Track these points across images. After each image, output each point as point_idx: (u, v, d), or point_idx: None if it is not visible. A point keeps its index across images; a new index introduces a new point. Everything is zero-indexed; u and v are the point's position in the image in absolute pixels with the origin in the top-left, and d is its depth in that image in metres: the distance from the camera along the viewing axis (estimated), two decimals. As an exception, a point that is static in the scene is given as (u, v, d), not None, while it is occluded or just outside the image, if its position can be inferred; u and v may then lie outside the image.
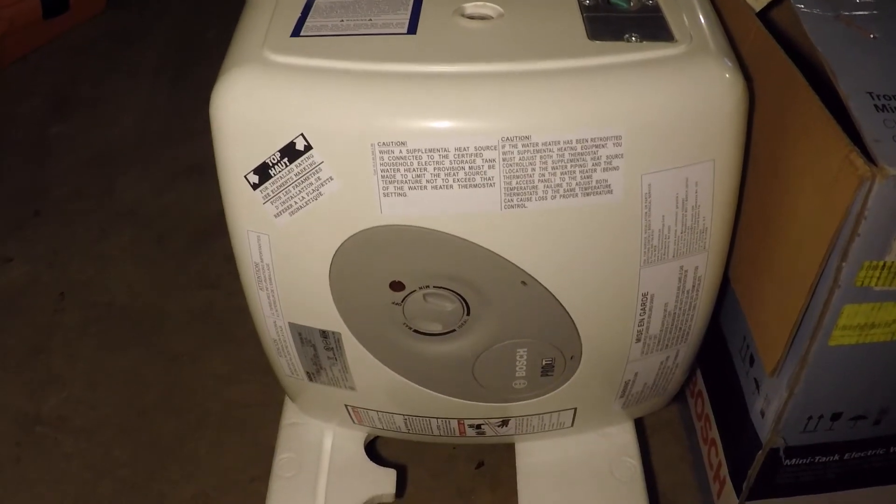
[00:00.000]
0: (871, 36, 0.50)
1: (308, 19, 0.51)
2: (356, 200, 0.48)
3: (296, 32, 0.50)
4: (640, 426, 0.70)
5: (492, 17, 0.51)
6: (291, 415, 0.69)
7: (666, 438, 0.76)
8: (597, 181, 0.47)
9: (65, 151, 1.12)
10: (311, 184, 0.48)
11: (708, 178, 0.49)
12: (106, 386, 0.81)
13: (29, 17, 1.31)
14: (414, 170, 0.46)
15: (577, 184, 0.47)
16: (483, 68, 0.46)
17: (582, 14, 0.51)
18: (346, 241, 0.49)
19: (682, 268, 0.52)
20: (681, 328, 0.56)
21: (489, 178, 0.46)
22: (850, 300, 0.47)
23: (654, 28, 0.50)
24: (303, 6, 0.52)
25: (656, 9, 0.52)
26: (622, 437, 0.68)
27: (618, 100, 0.46)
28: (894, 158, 0.42)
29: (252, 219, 0.50)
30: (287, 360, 0.59)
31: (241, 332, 0.84)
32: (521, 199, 0.47)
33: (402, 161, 0.46)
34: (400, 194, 0.47)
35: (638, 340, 0.56)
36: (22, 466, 0.74)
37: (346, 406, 0.63)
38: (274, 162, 0.48)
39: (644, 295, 0.53)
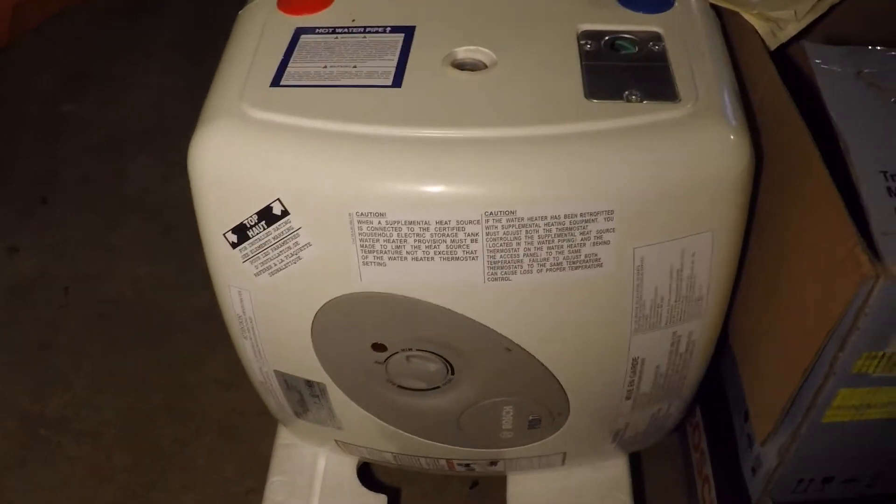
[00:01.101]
0: (893, 100, 0.46)
1: (290, 64, 0.49)
2: (335, 267, 0.46)
3: (276, 81, 0.47)
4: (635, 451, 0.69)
5: (483, 67, 0.48)
6: (285, 435, 0.70)
7: (662, 464, 0.75)
8: (585, 255, 0.45)
9: (75, 132, 1.12)
10: (290, 248, 0.46)
11: (706, 250, 0.47)
12: (111, 389, 0.82)
13: (43, -15, 1.29)
14: (394, 241, 0.44)
15: (564, 258, 0.45)
16: (467, 134, 0.44)
17: (581, 62, 0.48)
18: (326, 303, 0.48)
19: (675, 333, 0.50)
20: (673, 386, 0.55)
21: (472, 252, 0.44)
22: (846, 385, 0.45)
23: (657, 82, 0.47)
24: (286, 47, 0.50)
25: (662, 56, 0.48)
26: (615, 470, 0.68)
27: (611, 172, 0.43)
28: (901, 256, 0.39)
29: (233, 274, 0.49)
30: (274, 400, 0.59)
31: (244, 334, 0.84)
32: (506, 273, 0.45)
33: (381, 232, 0.44)
34: (379, 264, 0.45)
35: (628, 398, 0.54)
36: (27, 470, 0.75)
37: (335, 440, 0.63)
38: (251, 224, 0.46)
39: (635, 359, 0.51)
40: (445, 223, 0.43)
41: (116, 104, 1.16)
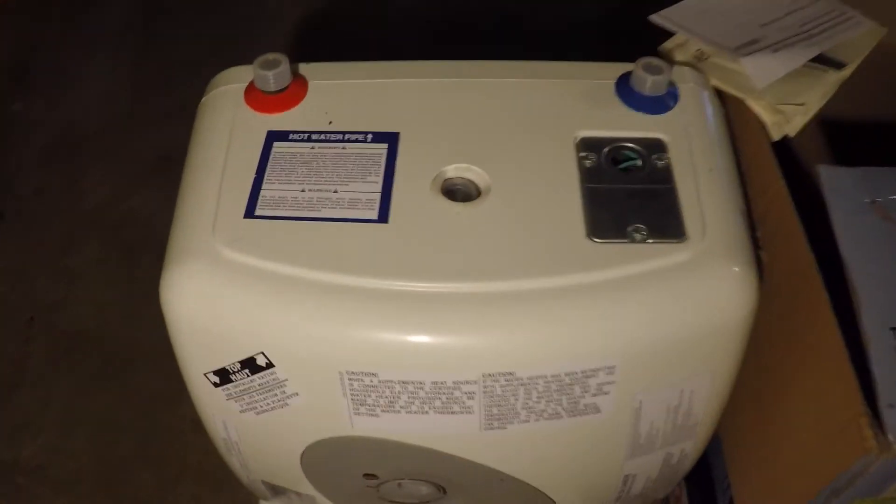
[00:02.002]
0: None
1: (264, 184, 0.45)
2: (325, 413, 0.44)
3: (250, 210, 0.44)
4: None
5: (476, 192, 0.45)
6: None
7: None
8: (584, 405, 0.43)
9: (26, 134, 1.05)
10: (276, 395, 0.44)
11: (705, 388, 0.46)
12: (82, 432, 0.80)
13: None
14: (386, 397, 0.42)
15: (562, 408, 0.43)
16: (462, 288, 0.41)
17: (581, 185, 0.45)
18: (315, 441, 0.46)
19: (668, 453, 0.50)
20: (663, 485, 0.55)
21: (468, 407, 0.43)
22: (839, 521, 0.46)
23: (662, 215, 0.44)
24: (258, 158, 0.46)
25: (667, 176, 0.45)
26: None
27: (615, 329, 0.41)
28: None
29: (216, 407, 0.47)
30: (261, 495, 0.58)
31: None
32: (502, 423, 0.44)
33: (373, 389, 0.42)
34: (372, 415, 0.43)
35: (617, 500, 0.54)
36: (4, 524, 0.74)
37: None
38: (234, 370, 0.44)
39: (627, 476, 0.51)
40: (441, 383, 0.42)
41: (65, 101, 1.09)
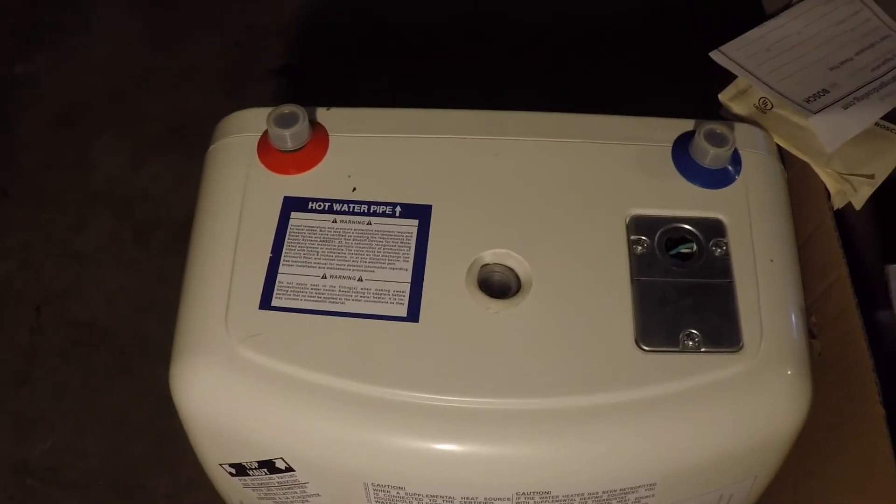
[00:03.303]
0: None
1: (281, 268, 0.41)
2: (348, 514, 0.42)
3: (266, 298, 0.41)
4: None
5: (516, 286, 0.41)
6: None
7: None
8: (620, 515, 0.41)
9: (32, 101, 0.99)
10: (296, 492, 0.42)
11: (745, 490, 0.43)
12: (93, 431, 0.79)
13: None
14: (414, 506, 0.40)
15: (597, 520, 0.41)
16: (498, 405, 0.38)
17: (632, 279, 0.41)
18: (337, 530, 0.45)
19: (701, 539, 0.48)
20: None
21: (499, 519, 0.40)
22: None
23: (718, 319, 0.40)
24: (274, 231, 0.42)
25: (725, 268, 0.41)
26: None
27: (658, 449, 0.39)
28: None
29: (234, 490, 0.45)
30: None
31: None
32: (533, 530, 0.41)
33: (400, 499, 0.40)
34: (397, 520, 0.41)
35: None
36: (17, 526, 0.74)
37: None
38: (251, 467, 0.41)
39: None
40: (472, 499, 0.39)
41: (73, 62, 1.03)
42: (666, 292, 0.41)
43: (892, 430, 0.40)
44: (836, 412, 0.44)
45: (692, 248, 0.43)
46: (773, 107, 0.50)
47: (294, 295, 0.40)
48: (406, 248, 0.42)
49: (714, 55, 0.52)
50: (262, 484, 0.42)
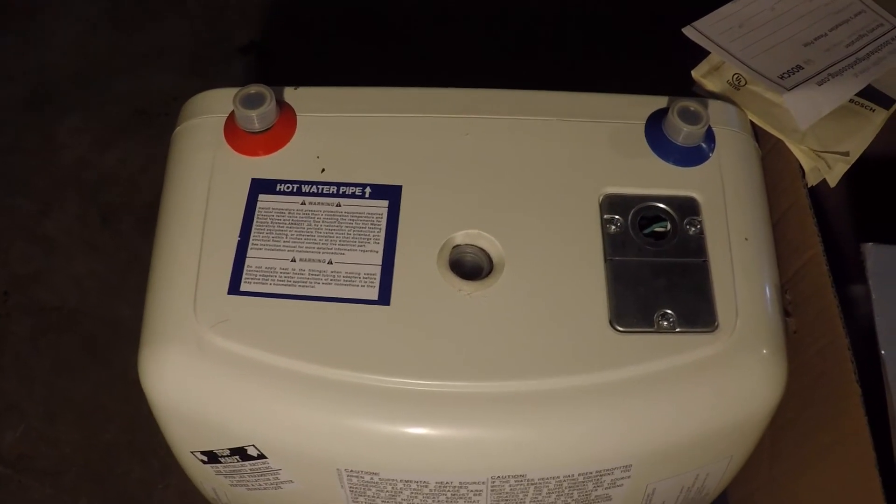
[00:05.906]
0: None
1: (249, 251, 0.40)
2: (322, 500, 0.42)
3: (234, 283, 0.40)
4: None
5: (488, 267, 0.41)
6: None
7: None
8: (596, 496, 0.41)
9: (-2, 80, 0.97)
10: (269, 479, 0.41)
11: (720, 470, 0.43)
12: (64, 418, 0.77)
13: None
14: (388, 491, 0.40)
15: (573, 500, 0.41)
16: (471, 388, 0.38)
17: (605, 259, 0.41)
18: (310, 516, 0.44)
19: (676, 518, 0.48)
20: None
21: (474, 502, 0.40)
22: None
23: (693, 298, 0.40)
24: (242, 213, 0.41)
25: (699, 247, 0.41)
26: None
27: (634, 431, 0.38)
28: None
29: (206, 477, 0.44)
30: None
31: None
32: (509, 515, 0.41)
33: (374, 484, 0.39)
34: (371, 505, 0.41)
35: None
36: (-10, 515, 0.73)
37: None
38: (223, 455, 0.41)
39: (632, 538, 0.49)
40: (446, 483, 0.39)
41: (38, 44, 1.00)
42: (640, 272, 0.41)
43: (868, 409, 0.40)
44: (812, 390, 0.44)
45: (666, 227, 0.42)
46: (746, 83, 0.49)
47: (263, 279, 0.40)
48: (376, 230, 0.41)
49: (687, 31, 0.51)
50: (234, 471, 0.41)
